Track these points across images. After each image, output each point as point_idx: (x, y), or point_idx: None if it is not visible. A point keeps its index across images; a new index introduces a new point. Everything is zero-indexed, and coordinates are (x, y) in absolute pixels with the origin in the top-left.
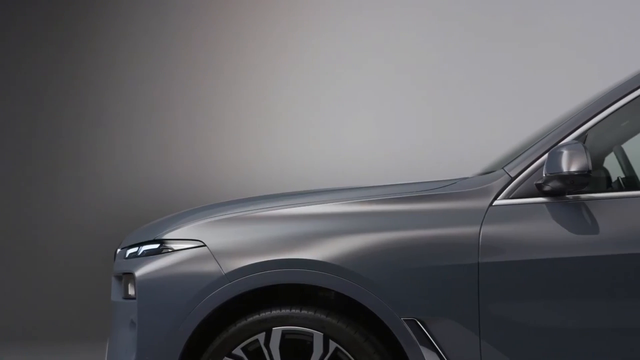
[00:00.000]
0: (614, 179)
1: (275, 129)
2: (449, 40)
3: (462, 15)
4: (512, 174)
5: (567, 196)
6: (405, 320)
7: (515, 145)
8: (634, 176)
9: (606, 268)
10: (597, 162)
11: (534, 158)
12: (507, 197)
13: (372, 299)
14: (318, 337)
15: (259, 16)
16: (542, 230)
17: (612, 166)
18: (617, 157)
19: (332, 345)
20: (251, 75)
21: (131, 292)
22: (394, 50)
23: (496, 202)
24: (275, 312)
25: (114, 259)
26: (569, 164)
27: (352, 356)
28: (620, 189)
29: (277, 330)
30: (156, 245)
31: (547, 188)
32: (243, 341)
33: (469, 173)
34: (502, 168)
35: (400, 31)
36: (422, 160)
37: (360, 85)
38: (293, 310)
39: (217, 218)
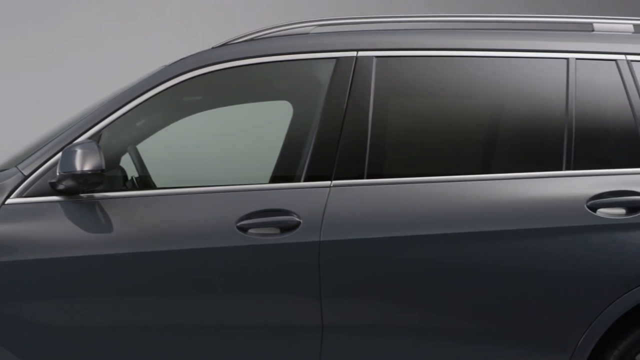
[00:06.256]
0: (129, 178)
1: None
2: None
3: None
4: (26, 173)
5: (82, 195)
6: None
7: (31, 142)
8: (148, 175)
9: (120, 266)
10: (113, 161)
11: (48, 156)
12: (20, 195)
13: None
14: None
15: None
16: (56, 229)
17: (130, 165)
18: (131, 157)
19: None
20: None
21: None
22: None
23: (9, 201)
24: None
25: None
26: (82, 162)
27: None
28: (135, 188)
29: None
30: None
31: (61, 187)
32: None
33: None
34: (16, 166)
35: None
36: None
37: None
38: None
39: None
